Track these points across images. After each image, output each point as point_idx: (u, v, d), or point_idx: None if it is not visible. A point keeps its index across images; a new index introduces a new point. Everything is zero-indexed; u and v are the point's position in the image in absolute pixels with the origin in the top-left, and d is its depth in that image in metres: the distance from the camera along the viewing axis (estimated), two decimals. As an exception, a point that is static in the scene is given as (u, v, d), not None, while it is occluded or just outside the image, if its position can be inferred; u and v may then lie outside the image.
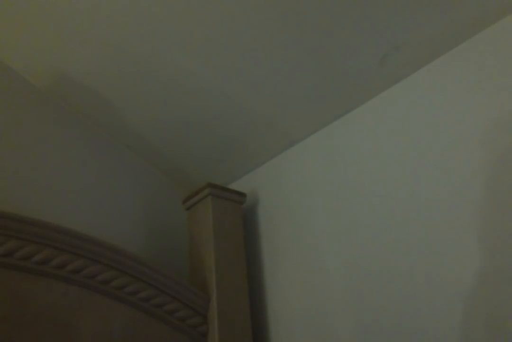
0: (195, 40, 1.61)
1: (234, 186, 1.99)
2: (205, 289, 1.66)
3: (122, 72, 1.75)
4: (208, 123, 1.86)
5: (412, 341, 1.38)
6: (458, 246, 1.36)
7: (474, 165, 1.39)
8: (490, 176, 1.36)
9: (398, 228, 1.50)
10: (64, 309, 1.44)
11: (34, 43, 1.72)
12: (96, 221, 1.77)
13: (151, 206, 1.96)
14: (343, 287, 1.58)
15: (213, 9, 1.52)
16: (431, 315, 1.36)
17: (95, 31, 1.64)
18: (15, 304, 1.38)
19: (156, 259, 1.80)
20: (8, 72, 1.79)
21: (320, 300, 1.62)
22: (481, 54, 1.47)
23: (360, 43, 1.54)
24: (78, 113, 1.90)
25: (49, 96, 1.85)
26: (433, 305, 1.36)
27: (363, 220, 1.59)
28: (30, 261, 1.42)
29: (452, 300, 1.33)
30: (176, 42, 1.63)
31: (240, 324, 1.64)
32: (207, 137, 1.91)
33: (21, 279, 1.41)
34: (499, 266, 1.28)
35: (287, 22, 1.52)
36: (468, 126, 1.44)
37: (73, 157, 1.84)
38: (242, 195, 1.86)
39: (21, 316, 1.38)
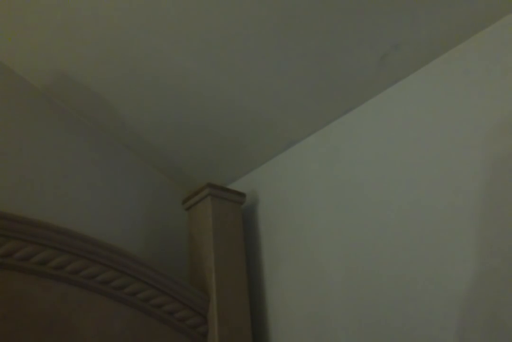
0: (195, 41, 1.61)
1: (234, 186, 1.99)
2: (205, 289, 1.66)
3: (121, 72, 1.75)
4: (208, 123, 1.86)
5: (411, 342, 1.39)
6: (457, 247, 1.36)
7: (475, 166, 1.39)
8: (491, 177, 1.36)
9: (398, 228, 1.50)
10: (64, 310, 1.44)
11: (33, 43, 1.71)
12: (96, 221, 1.77)
13: (151, 206, 1.96)
14: (343, 287, 1.58)
15: (213, 11, 1.52)
16: (431, 316, 1.35)
17: (95, 31, 1.64)
18: (15, 305, 1.38)
19: (156, 259, 1.80)
20: (8, 73, 1.79)
21: (319, 300, 1.62)
22: (481, 54, 1.47)
23: (360, 43, 1.54)
24: (77, 113, 1.89)
25: (49, 96, 1.85)
26: (432, 307, 1.36)
27: (363, 220, 1.59)
28: (30, 261, 1.42)
29: (452, 302, 1.33)
30: (175, 43, 1.63)
31: (240, 324, 1.64)
32: (206, 138, 1.91)
33: (21, 279, 1.41)
34: (499, 268, 1.28)
35: (286, 22, 1.52)
36: (468, 126, 1.43)
37: (73, 158, 1.83)
38: (241, 195, 1.86)
39: (21, 317, 1.37)
